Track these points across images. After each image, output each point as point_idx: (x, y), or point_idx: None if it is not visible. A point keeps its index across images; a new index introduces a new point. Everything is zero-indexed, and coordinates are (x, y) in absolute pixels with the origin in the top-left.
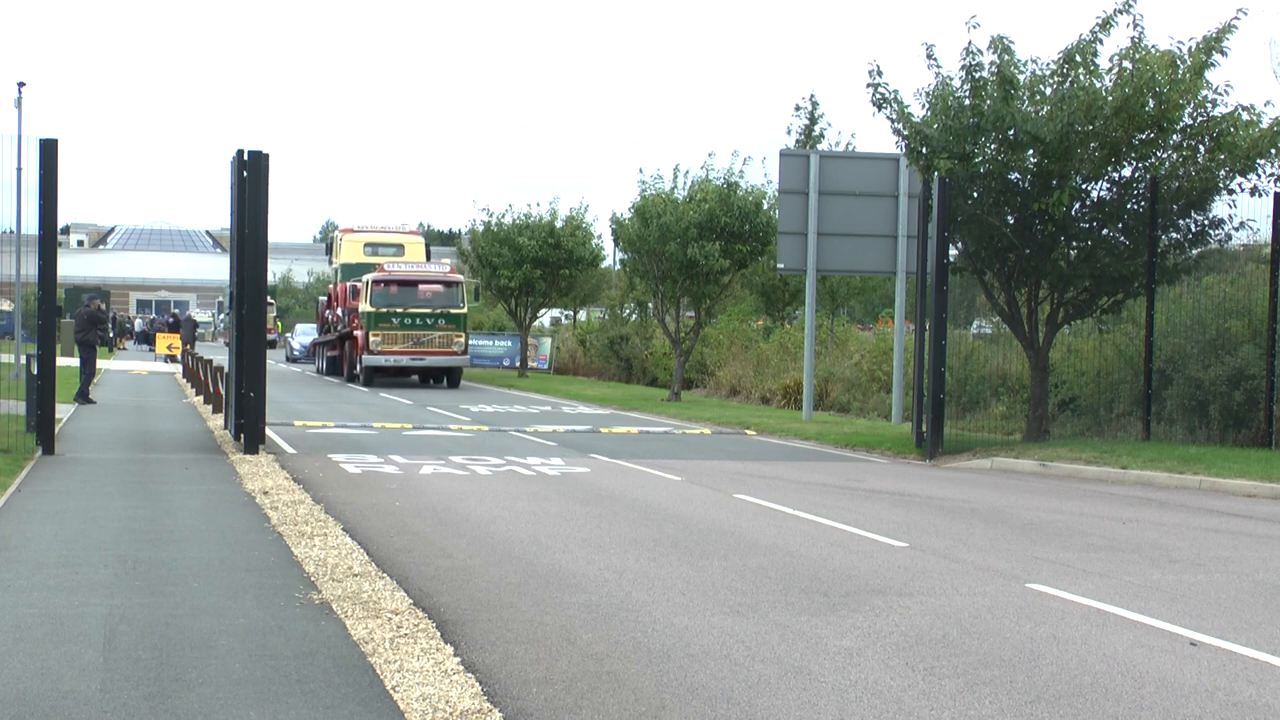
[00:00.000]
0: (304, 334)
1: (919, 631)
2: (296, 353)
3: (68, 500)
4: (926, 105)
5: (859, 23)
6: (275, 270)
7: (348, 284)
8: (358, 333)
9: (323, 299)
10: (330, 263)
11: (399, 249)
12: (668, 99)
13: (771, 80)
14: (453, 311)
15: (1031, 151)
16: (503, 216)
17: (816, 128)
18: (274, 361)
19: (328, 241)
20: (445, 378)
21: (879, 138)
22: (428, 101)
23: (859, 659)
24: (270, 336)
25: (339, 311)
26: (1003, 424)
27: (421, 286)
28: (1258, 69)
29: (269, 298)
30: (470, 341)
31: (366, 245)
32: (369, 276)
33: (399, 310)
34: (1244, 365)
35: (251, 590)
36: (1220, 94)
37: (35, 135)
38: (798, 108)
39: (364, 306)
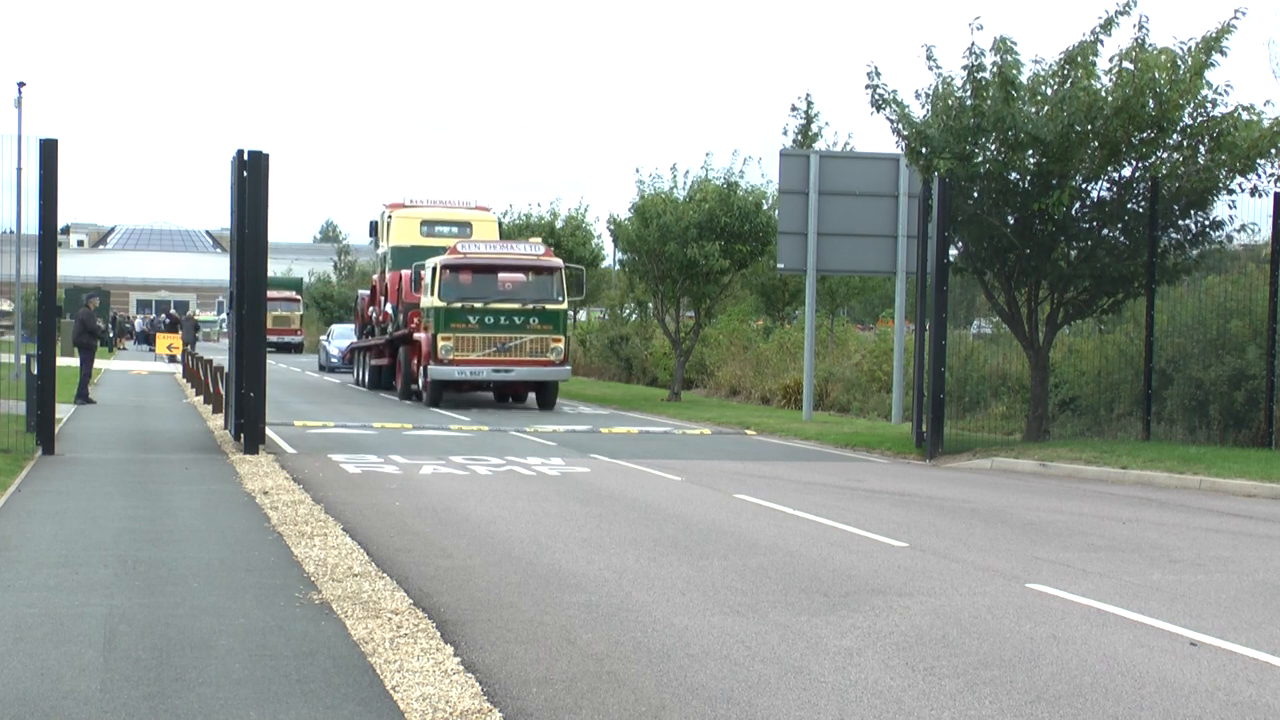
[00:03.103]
0: (342, 336)
1: (919, 631)
2: (334, 360)
3: (68, 500)
4: (927, 106)
5: (857, 23)
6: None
7: (401, 272)
8: (420, 335)
9: (363, 293)
10: (376, 247)
11: (464, 228)
12: (667, 99)
13: (770, 80)
14: (549, 307)
15: (1032, 152)
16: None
17: (813, 127)
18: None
19: (372, 222)
20: (535, 394)
21: (876, 137)
22: (428, 101)
23: (859, 659)
24: (297, 338)
25: (388, 308)
26: (1003, 424)
27: (507, 274)
28: (1257, 69)
29: (295, 293)
30: None
31: (423, 224)
32: (438, 261)
33: (478, 305)
34: (1245, 365)
35: (251, 590)
36: (1220, 94)
37: (35, 135)
38: (794, 108)
39: (429, 301)
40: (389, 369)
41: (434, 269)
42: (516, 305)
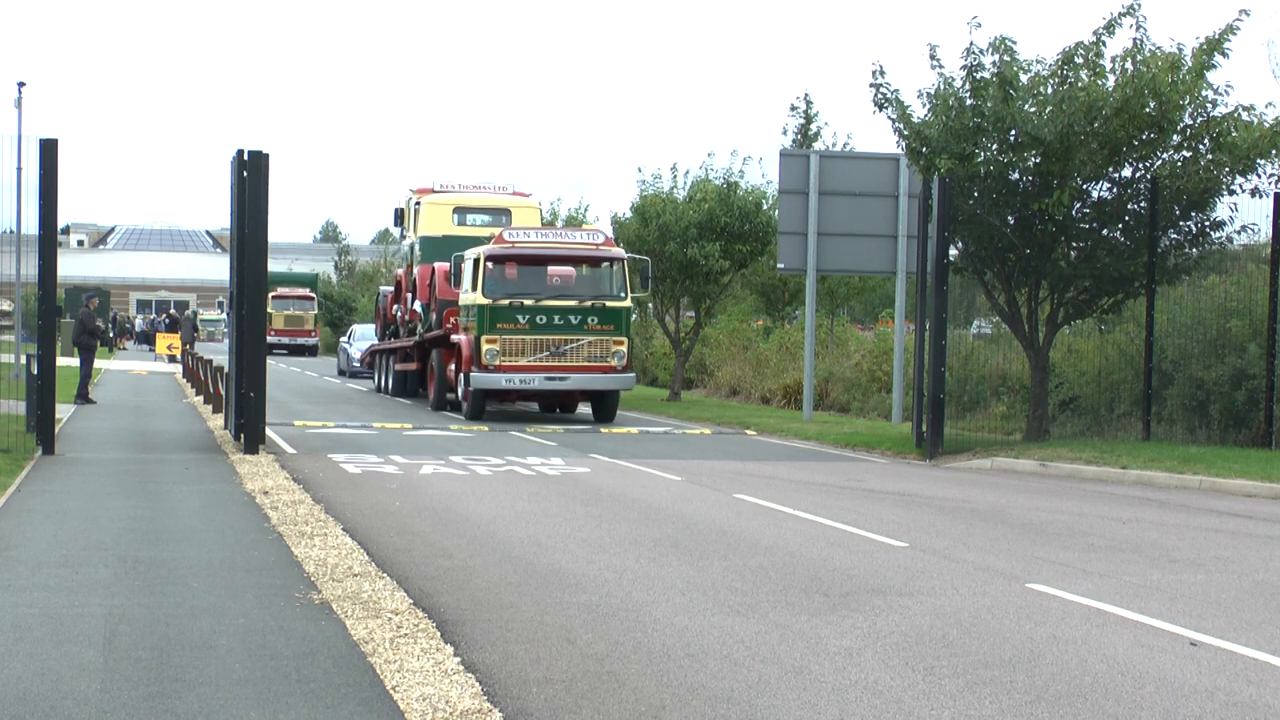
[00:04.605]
0: (364, 338)
1: (919, 631)
2: (355, 364)
3: (68, 500)
4: (927, 106)
5: (856, 23)
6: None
7: (435, 265)
8: (459, 337)
9: (386, 290)
10: (401, 237)
11: (503, 215)
12: (667, 99)
13: (770, 80)
14: (610, 305)
15: (1032, 152)
16: None
17: (812, 127)
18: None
19: (397, 209)
20: (592, 405)
21: (875, 137)
22: (427, 101)
23: (859, 659)
24: (311, 339)
25: (416, 306)
26: (1003, 424)
27: (562, 266)
28: (1258, 69)
29: (309, 290)
30: None
31: (456, 211)
32: (481, 251)
33: (528, 303)
34: (1245, 365)
35: (251, 590)
36: (1221, 94)
37: (35, 135)
38: (793, 107)
39: (471, 297)
40: (417, 375)
41: (476, 260)
42: (573, 302)
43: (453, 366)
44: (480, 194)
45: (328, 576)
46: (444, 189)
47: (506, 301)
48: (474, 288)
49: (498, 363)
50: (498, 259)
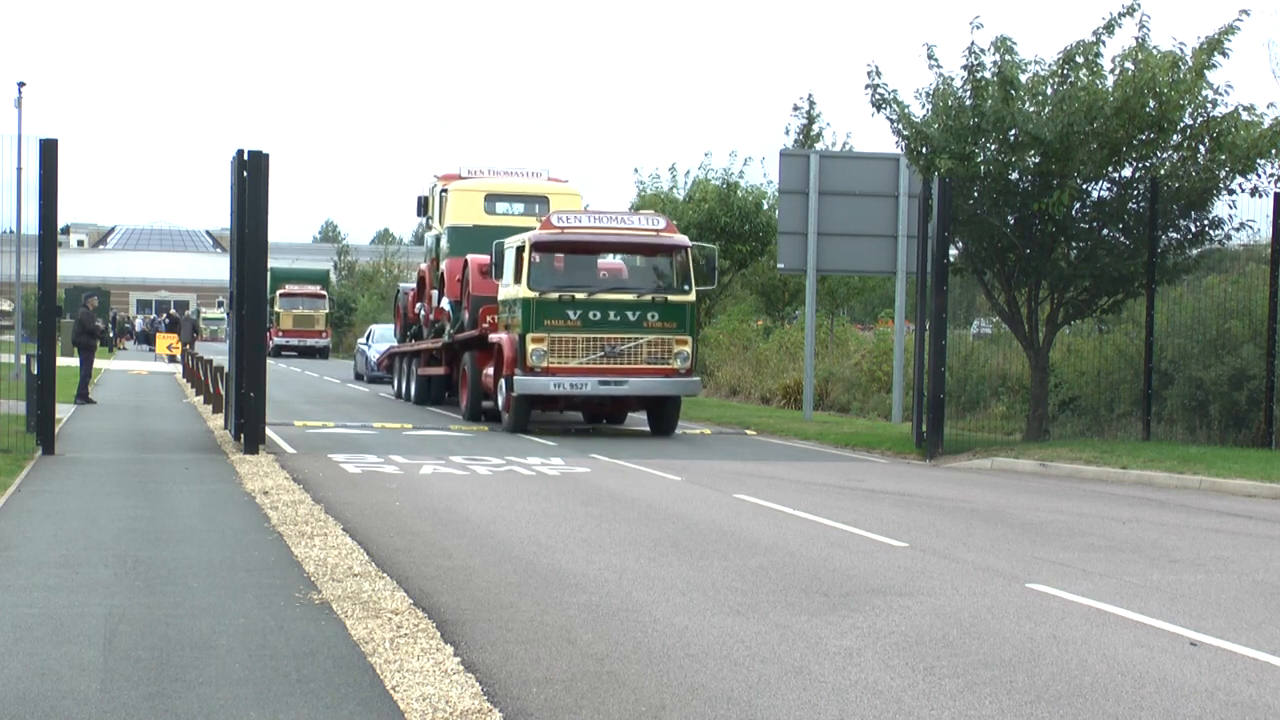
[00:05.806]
0: (383, 339)
1: (919, 631)
2: (374, 367)
3: (68, 500)
4: (927, 105)
5: (857, 23)
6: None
7: (468, 257)
8: (498, 336)
9: (406, 287)
10: (427, 227)
11: (537, 203)
12: (667, 99)
13: (770, 80)
14: (673, 299)
15: (1032, 152)
16: None
17: (815, 127)
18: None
19: (420, 198)
20: (649, 414)
21: (876, 137)
22: (428, 101)
23: (859, 659)
24: (322, 341)
25: (444, 304)
26: (1003, 424)
27: (613, 257)
28: (1258, 69)
29: (320, 288)
30: None
31: (487, 198)
32: (527, 238)
33: (580, 296)
34: (1245, 365)
35: (251, 590)
36: (1221, 94)
37: (35, 135)
38: (795, 108)
39: (513, 290)
40: (443, 380)
41: (519, 249)
42: (631, 296)
43: (489, 370)
44: (513, 180)
45: (328, 576)
46: (472, 175)
47: (555, 295)
48: (517, 280)
49: (545, 365)
50: (545, 247)
